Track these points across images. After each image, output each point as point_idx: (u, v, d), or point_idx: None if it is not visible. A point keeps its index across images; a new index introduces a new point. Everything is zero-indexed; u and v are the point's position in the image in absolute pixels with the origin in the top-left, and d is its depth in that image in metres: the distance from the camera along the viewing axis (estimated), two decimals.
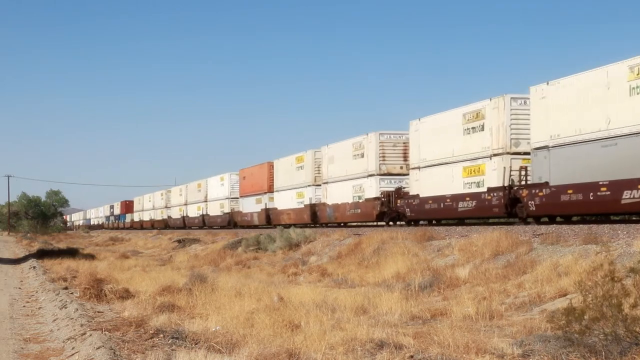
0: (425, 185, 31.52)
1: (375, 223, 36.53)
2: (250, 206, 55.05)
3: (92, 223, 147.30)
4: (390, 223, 34.53)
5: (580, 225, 20.09)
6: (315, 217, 42.91)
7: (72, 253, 31.77)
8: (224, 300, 12.94)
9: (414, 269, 17.38)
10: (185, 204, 74.97)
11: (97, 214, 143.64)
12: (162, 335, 9.37)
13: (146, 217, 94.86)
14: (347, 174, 38.98)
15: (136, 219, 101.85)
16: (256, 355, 8.17)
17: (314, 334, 9.18)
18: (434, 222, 32.14)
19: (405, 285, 15.33)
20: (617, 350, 7.65)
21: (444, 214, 30.50)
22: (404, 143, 35.34)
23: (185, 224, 73.93)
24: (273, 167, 51.44)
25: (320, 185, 43.21)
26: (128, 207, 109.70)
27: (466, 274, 15.71)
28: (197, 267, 23.88)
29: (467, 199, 28.04)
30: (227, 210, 60.87)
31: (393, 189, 34.89)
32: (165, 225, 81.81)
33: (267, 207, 51.13)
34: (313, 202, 43.64)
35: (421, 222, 32.78)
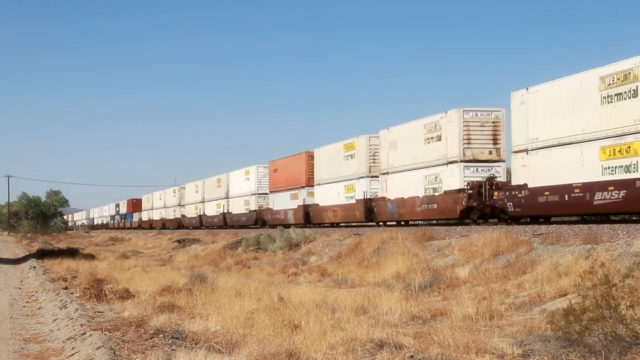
0: (538, 172, 24.75)
1: (458, 220, 29.51)
2: (284, 202, 48.27)
3: (95, 223, 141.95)
4: (480, 221, 27.75)
5: (580, 225, 20.09)
6: (371, 214, 36.17)
7: (72, 253, 31.75)
8: (224, 300, 12.94)
9: (414, 269, 17.38)
10: (202, 202, 68.71)
11: (101, 213, 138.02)
12: (162, 335, 9.36)
13: (156, 215, 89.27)
14: (416, 161, 32.10)
15: (145, 218, 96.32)
16: (256, 355, 8.17)
17: (314, 334, 9.19)
18: (546, 219, 25.78)
19: (405, 285, 15.33)
20: (617, 350, 7.65)
21: (570, 209, 23.92)
22: (494, 122, 29.49)
23: (202, 223, 67.53)
24: (313, 157, 44.62)
25: (377, 176, 36.33)
26: (136, 205, 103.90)
27: (466, 274, 15.71)
28: (197, 267, 23.88)
29: (611, 188, 21.50)
30: (253, 207, 54.25)
31: (482, 179, 28.27)
32: (178, 224, 76.64)
33: (306, 203, 44.61)
34: (368, 196, 36.70)
35: (523, 220, 26.24)
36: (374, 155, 37.34)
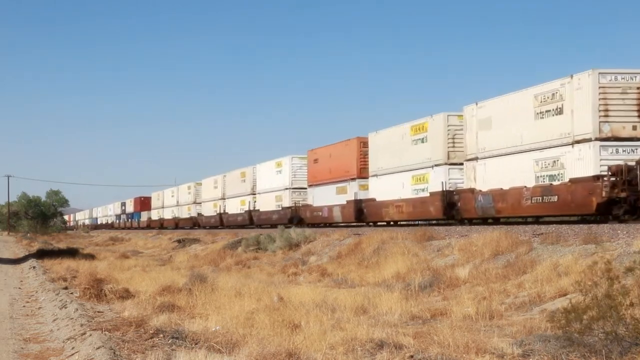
0: None
1: (592, 217, 23.79)
2: (327, 197, 41.32)
3: (99, 222, 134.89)
4: (626, 217, 21.06)
5: (580, 225, 20.08)
6: (453, 209, 29.00)
7: (72, 253, 31.74)
8: (224, 300, 12.94)
9: (414, 269, 17.37)
10: (223, 199, 61.72)
11: (106, 213, 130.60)
12: (162, 335, 9.36)
13: (168, 214, 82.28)
14: (522, 143, 25.31)
15: (155, 217, 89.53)
16: (256, 355, 8.16)
17: (314, 333, 9.18)
18: None
19: (405, 285, 15.33)
20: (617, 350, 7.65)
21: None
22: (639, 88, 22.46)
23: (222, 222, 60.40)
24: (366, 143, 37.48)
25: (460, 164, 29.20)
26: (144, 203, 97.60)
27: (466, 274, 15.71)
28: (197, 267, 23.87)
29: None
30: (287, 203, 47.45)
31: (629, 161, 21.43)
32: (194, 223, 70.01)
33: (358, 198, 37.51)
34: (448, 188, 29.40)
35: None
36: (453, 138, 30.19)
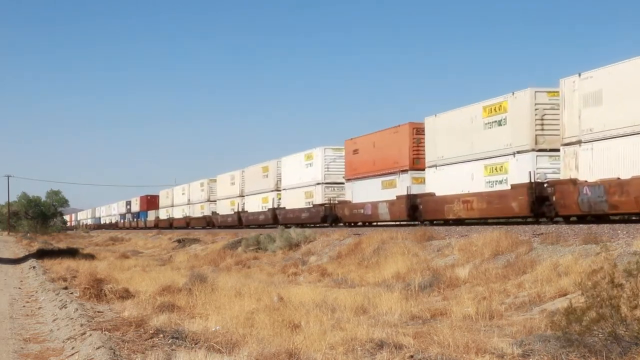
0: None
1: None
2: (370, 193, 36.34)
3: (102, 222, 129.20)
4: None
5: (580, 225, 20.07)
6: (543, 204, 24.33)
7: (72, 253, 31.73)
8: (224, 300, 12.94)
9: (414, 269, 17.37)
10: (241, 196, 56.80)
11: (109, 212, 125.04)
12: (162, 335, 9.36)
13: (178, 213, 77.03)
14: None
15: (163, 216, 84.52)
16: (256, 355, 8.16)
17: (314, 333, 9.18)
18: None
19: (405, 285, 15.32)
20: (617, 350, 7.65)
21: None
22: None
23: (241, 221, 55.13)
24: (421, 130, 32.67)
25: (551, 150, 25.04)
26: (151, 202, 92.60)
27: (466, 274, 15.71)
28: (197, 267, 23.87)
29: None
30: (319, 200, 42.44)
31: None
32: (207, 223, 65.10)
33: (411, 192, 32.52)
34: (537, 179, 24.76)
35: None
36: (542, 119, 25.65)
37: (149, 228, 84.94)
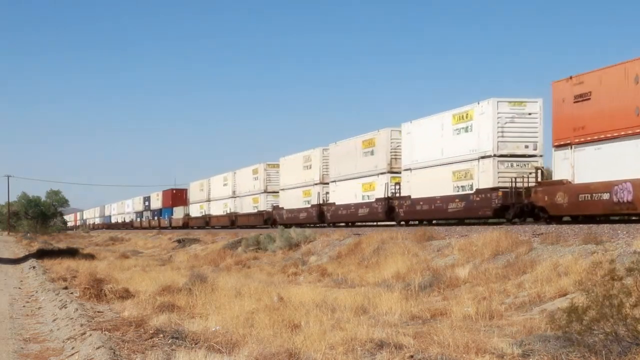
0: None
1: None
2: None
3: (113, 221, 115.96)
4: None
5: (580, 225, 20.06)
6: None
7: (72, 253, 31.72)
8: (224, 300, 12.93)
9: (414, 268, 17.37)
10: (320, 183, 43.37)
11: (122, 210, 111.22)
12: (162, 335, 9.36)
13: (217, 209, 63.16)
14: None
15: (195, 213, 71.18)
16: (256, 355, 8.16)
17: (314, 334, 9.18)
18: None
19: (405, 285, 15.32)
20: (617, 350, 7.64)
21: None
22: None
23: (324, 217, 42.17)
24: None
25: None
26: (177, 197, 79.32)
27: (466, 274, 15.70)
28: (197, 267, 23.87)
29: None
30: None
31: None
32: (265, 220, 50.88)
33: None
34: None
35: None
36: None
37: (176, 228, 72.37)
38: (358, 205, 37.99)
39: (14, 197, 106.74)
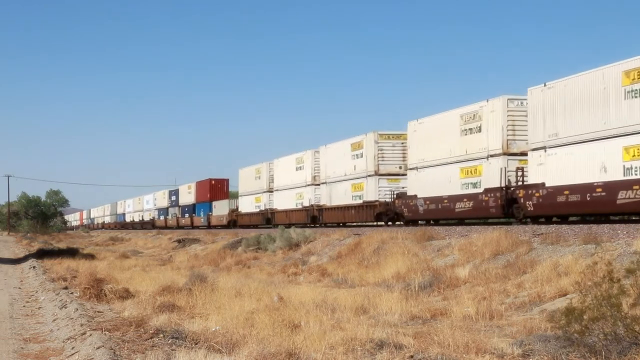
0: None
1: None
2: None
3: (127, 220, 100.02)
4: None
5: (580, 225, 20.06)
6: None
7: (72, 253, 31.69)
8: (224, 300, 12.93)
9: (414, 268, 17.36)
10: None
11: (140, 207, 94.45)
12: (162, 335, 9.36)
13: (285, 201, 46.66)
14: None
15: (247, 208, 53.97)
16: (256, 355, 8.16)
17: (314, 333, 9.18)
18: None
19: (405, 285, 15.32)
20: (617, 350, 7.64)
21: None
22: None
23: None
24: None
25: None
26: (216, 189, 62.56)
27: (466, 274, 15.70)
28: (197, 267, 23.87)
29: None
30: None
31: None
32: (377, 216, 35.08)
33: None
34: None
35: None
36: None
37: (216, 227, 57.14)
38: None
39: (14, 197, 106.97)
